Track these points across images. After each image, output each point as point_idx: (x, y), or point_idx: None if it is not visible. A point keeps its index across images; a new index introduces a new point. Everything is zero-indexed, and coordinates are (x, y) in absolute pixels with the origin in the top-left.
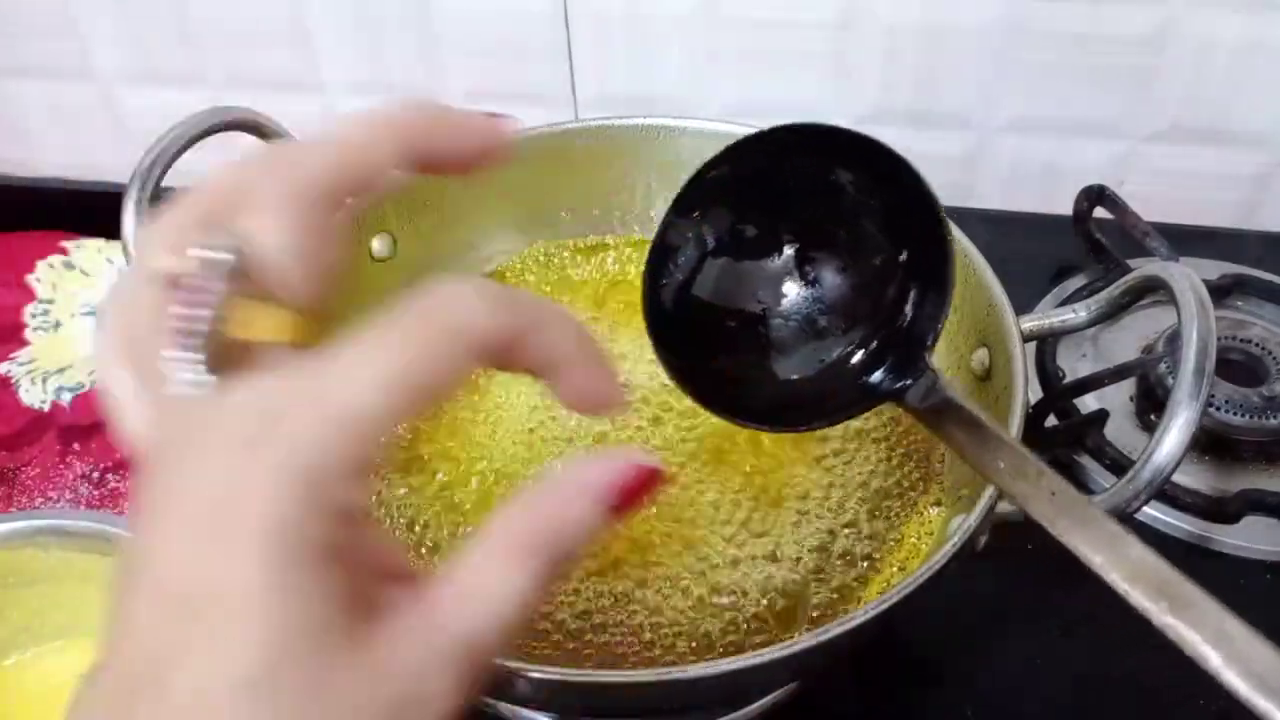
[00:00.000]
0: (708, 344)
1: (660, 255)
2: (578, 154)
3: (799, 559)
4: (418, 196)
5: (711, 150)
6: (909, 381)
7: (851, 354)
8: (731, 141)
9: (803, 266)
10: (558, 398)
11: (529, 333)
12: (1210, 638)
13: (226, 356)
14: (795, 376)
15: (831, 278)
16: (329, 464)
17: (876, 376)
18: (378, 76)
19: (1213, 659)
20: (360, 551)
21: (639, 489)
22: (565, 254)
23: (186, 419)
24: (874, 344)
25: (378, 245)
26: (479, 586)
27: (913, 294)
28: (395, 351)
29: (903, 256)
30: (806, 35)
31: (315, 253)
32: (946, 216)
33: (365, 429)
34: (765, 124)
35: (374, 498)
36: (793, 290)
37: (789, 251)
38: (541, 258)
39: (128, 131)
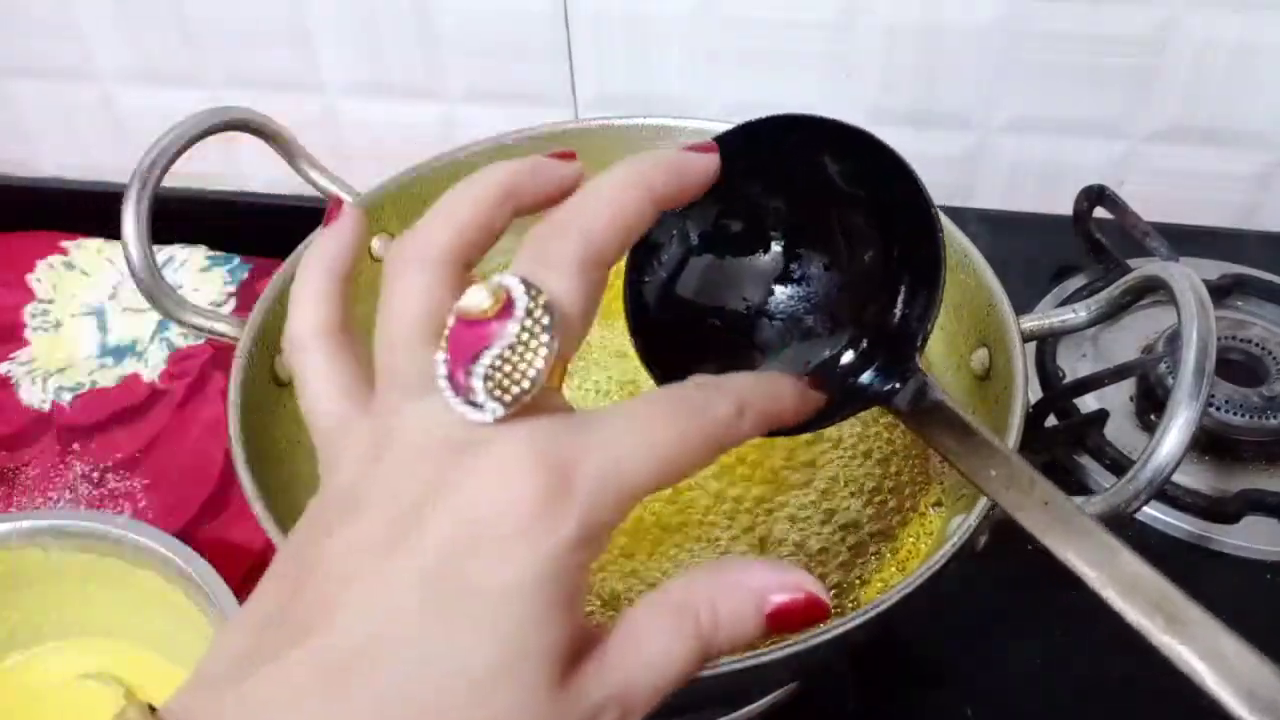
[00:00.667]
0: (692, 345)
1: (642, 253)
2: (578, 154)
3: (798, 559)
4: (418, 196)
5: None
6: (897, 384)
7: (840, 355)
8: (744, 122)
9: (790, 264)
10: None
11: (750, 423)
12: (1206, 654)
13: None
14: None
15: (819, 275)
16: (604, 520)
17: (865, 378)
18: (378, 76)
19: (1208, 677)
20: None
21: (798, 615)
22: None
23: (469, 440)
24: (863, 344)
25: (378, 245)
26: (640, 645)
27: (903, 293)
28: (663, 435)
29: (893, 254)
30: (806, 35)
31: (591, 316)
32: (938, 212)
33: (632, 496)
34: None
35: None
36: (779, 289)
37: (775, 248)
38: None
39: (128, 131)
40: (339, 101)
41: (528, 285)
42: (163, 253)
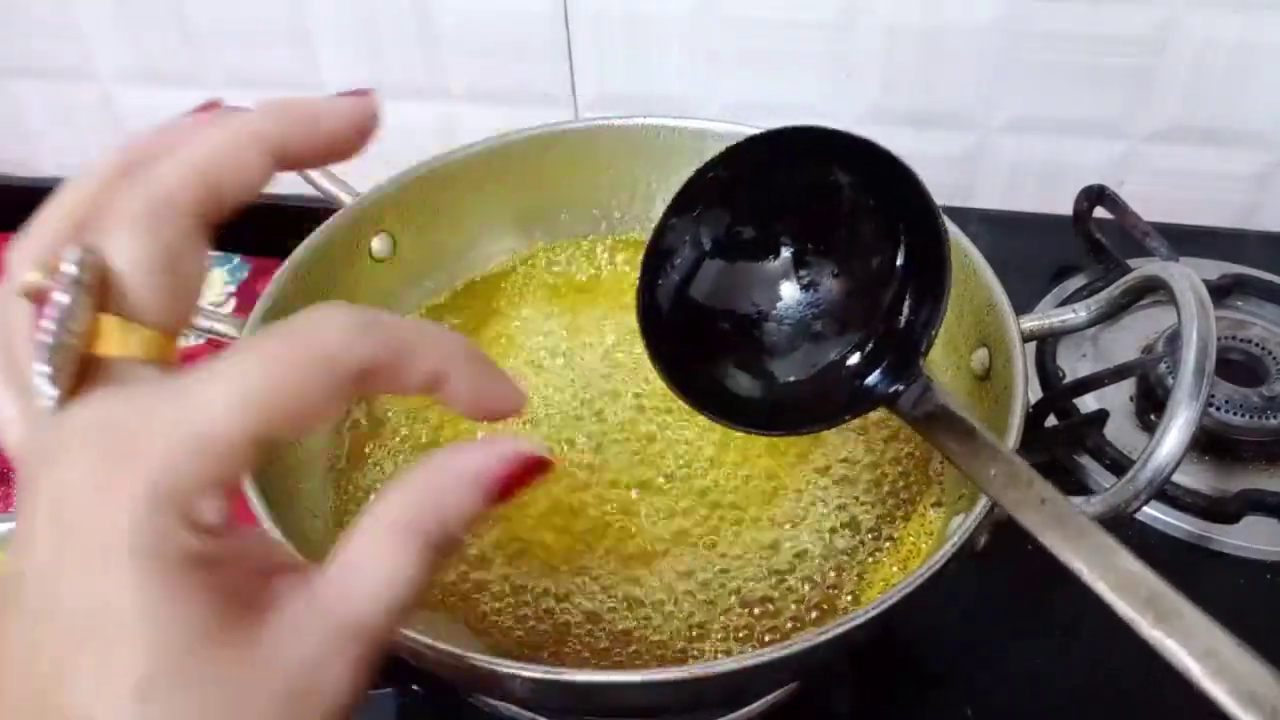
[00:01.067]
0: (702, 347)
1: (656, 257)
2: (578, 154)
3: (798, 559)
4: (417, 196)
5: (711, 150)
6: (902, 386)
7: (846, 357)
8: (731, 141)
9: (799, 269)
10: (455, 412)
11: (403, 354)
12: (1197, 651)
13: (88, 373)
14: (790, 379)
15: (828, 280)
16: (185, 482)
17: (870, 380)
18: (378, 76)
19: (1199, 672)
20: (237, 556)
21: (521, 478)
22: (565, 254)
23: (47, 435)
24: (869, 347)
25: (378, 245)
26: (362, 570)
27: (909, 298)
28: (253, 373)
29: (899, 260)
30: (806, 35)
31: (171, 271)
32: (944, 221)
33: (220, 448)
34: (765, 124)
35: None
36: (789, 293)
37: (785, 254)
38: (541, 257)
39: (128, 131)
40: None
41: (81, 250)
42: None
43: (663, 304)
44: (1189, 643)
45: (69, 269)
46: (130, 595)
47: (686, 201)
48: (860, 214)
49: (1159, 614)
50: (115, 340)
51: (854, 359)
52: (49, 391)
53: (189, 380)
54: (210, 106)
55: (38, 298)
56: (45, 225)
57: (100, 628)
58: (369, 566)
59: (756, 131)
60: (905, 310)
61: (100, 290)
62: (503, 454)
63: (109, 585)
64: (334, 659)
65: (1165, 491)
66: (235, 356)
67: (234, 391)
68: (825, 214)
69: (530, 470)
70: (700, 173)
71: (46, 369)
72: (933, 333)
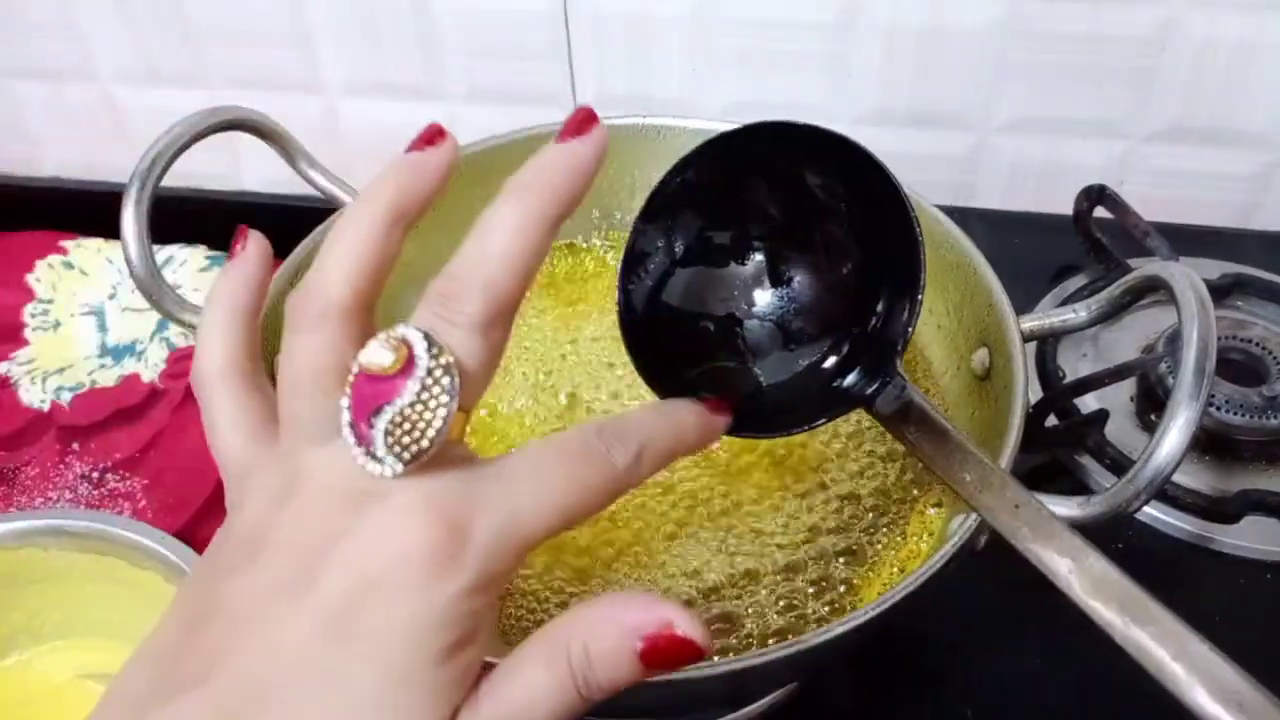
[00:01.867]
0: (682, 350)
1: (631, 261)
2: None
3: (798, 559)
4: None
5: None
6: (877, 388)
7: (824, 359)
8: (724, 130)
9: (774, 270)
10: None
11: (662, 456)
12: (1172, 652)
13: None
14: (769, 381)
15: (803, 280)
16: (504, 571)
17: (848, 381)
18: (378, 76)
19: (1174, 673)
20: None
21: (672, 654)
22: (565, 254)
23: (371, 490)
24: (846, 348)
25: None
26: (515, 685)
27: (884, 298)
28: (560, 486)
29: (875, 260)
30: (806, 35)
31: (497, 365)
32: (918, 218)
33: (527, 548)
34: None
35: None
36: (765, 295)
37: (759, 256)
38: None
39: (128, 131)
40: (339, 101)
41: (430, 343)
42: (162, 253)
43: (640, 308)
44: (1163, 645)
45: (430, 364)
46: (410, 651)
47: (657, 205)
48: (833, 211)
49: (1133, 617)
50: (456, 428)
51: (831, 360)
52: (390, 464)
53: (507, 472)
54: (436, 136)
55: (380, 375)
56: (339, 269)
57: (371, 652)
58: (518, 682)
59: (722, 130)
60: (881, 310)
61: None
62: (661, 620)
63: (399, 630)
64: None
65: (1165, 491)
66: (541, 461)
67: (545, 497)
68: (799, 212)
69: (683, 650)
70: (669, 175)
71: (385, 440)
72: (909, 330)
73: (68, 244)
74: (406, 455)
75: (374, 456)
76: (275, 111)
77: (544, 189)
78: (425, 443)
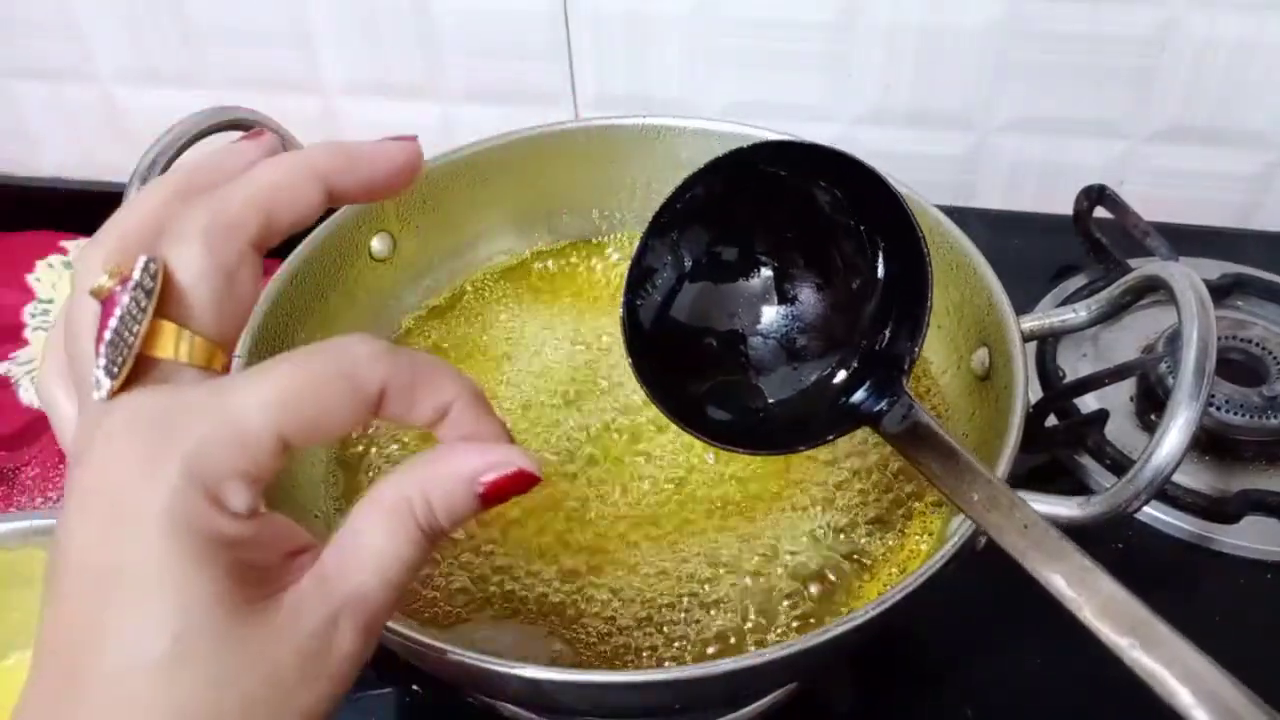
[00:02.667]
0: (688, 365)
1: (637, 276)
2: (578, 154)
3: (798, 559)
4: (418, 196)
5: (712, 150)
6: (885, 406)
7: (831, 376)
8: (732, 142)
9: (781, 286)
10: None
11: (419, 383)
12: (1180, 676)
13: (141, 372)
14: (774, 398)
15: (810, 297)
16: (216, 467)
17: (854, 399)
18: (378, 76)
19: (1183, 697)
20: (260, 539)
21: (509, 488)
22: (565, 254)
23: (98, 421)
24: (853, 366)
25: (378, 245)
26: (359, 547)
27: (892, 316)
28: (285, 379)
29: (881, 277)
30: (806, 35)
31: (227, 286)
32: (924, 235)
33: (249, 441)
34: (765, 124)
35: None
36: (771, 311)
37: (767, 272)
38: (541, 257)
39: (128, 131)
40: (339, 101)
41: (147, 260)
42: None
43: (646, 323)
44: (1171, 668)
45: (136, 275)
46: (159, 561)
47: (666, 221)
48: (841, 231)
49: (1141, 640)
50: (169, 344)
51: (838, 377)
52: (106, 384)
53: (227, 381)
54: (257, 134)
55: (105, 300)
56: (112, 234)
57: (133, 589)
58: (365, 544)
59: (734, 149)
60: (888, 328)
61: (162, 297)
62: (497, 462)
63: (141, 552)
64: (338, 627)
65: (1165, 491)
66: (270, 364)
67: (266, 392)
68: (806, 231)
69: (519, 482)
70: (679, 191)
71: (104, 364)
72: (916, 348)
73: (68, 244)
74: (115, 370)
75: (98, 383)
76: (275, 111)
77: (328, 152)
78: (127, 353)
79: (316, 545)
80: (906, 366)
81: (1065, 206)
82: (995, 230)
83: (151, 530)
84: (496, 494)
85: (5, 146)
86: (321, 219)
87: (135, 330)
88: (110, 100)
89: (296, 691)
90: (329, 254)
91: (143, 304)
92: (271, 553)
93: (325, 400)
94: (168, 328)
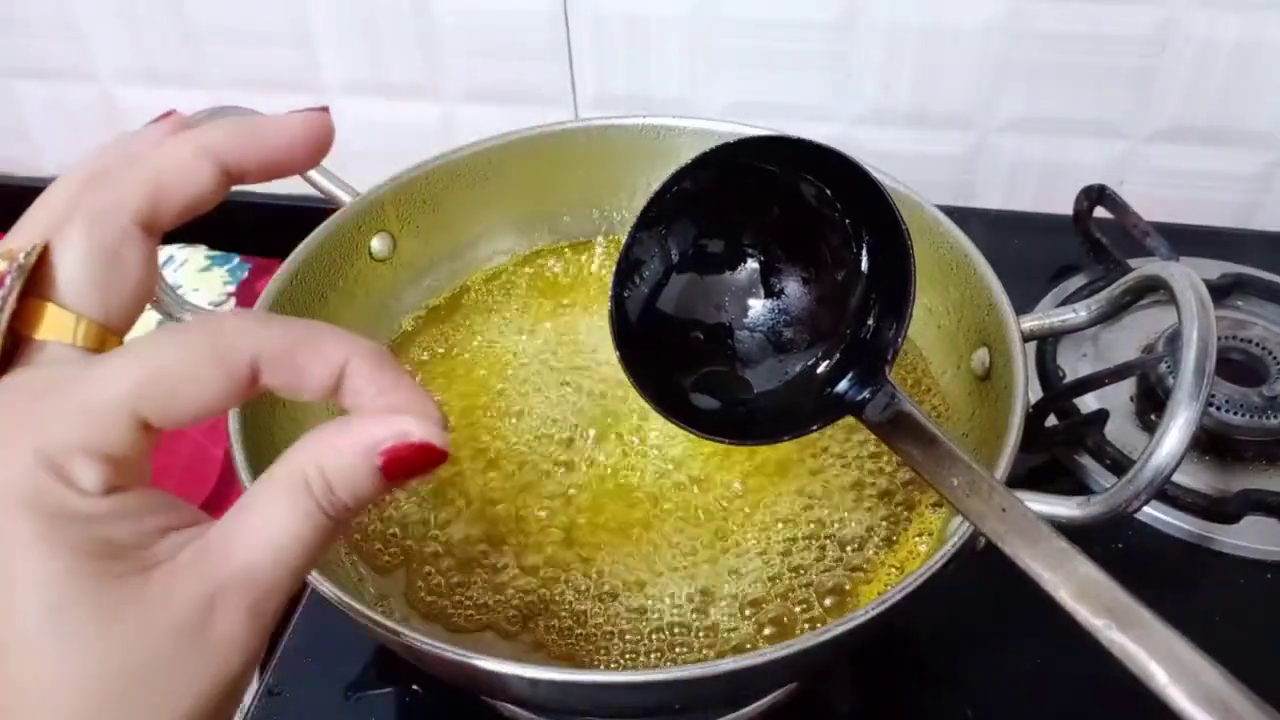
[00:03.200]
0: (675, 357)
1: (625, 269)
2: (578, 154)
3: (796, 560)
4: (418, 196)
5: None
6: (868, 395)
7: (816, 366)
8: (723, 143)
9: (767, 279)
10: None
11: (297, 349)
12: (1157, 656)
13: (22, 353)
14: (761, 389)
15: (795, 290)
16: (61, 443)
17: (839, 389)
18: (378, 76)
19: (1159, 676)
20: (122, 514)
21: (413, 462)
22: (564, 254)
23: None
24: (837, 356)
25: (378, 245)
26: (249, 523)
27: (875, 307)
28: (146, 353)
29: (865, 269)
30: (806, 35)
31: (108, 266)
32: (908, 229)
33: (99, 416)
34: (765, 124)
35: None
36: (758, 303)
37: (754, 264)
38: (541, 258)
39: (128, 131)
40: (339, 101)
41: (33, 243)
42: (162, 252)
43: (633, 316)
44: (1149, 648)
45: (21, 258)
46: (10, 538)
47: (654, 215)
48: (827, 224)
49: (1117, 620)
50: (45, 324)
51: (823, 368)
52: None
53: (95, 359)
54: (167, 116)
55: None
56: (23, 223)
57: None
58: (256, 522)
59: (718, 144)
60: (872, 319)
61: (44, 279)
62: (398, 432)
63: None
64: (222, 604)
65: (1165, 491)
66: (138, 340)
67: (122, 367)
68: (792, 224)
69: (421, 455)
70: (667, 185)
71: None
72: (899, 339)
73: None
74: None
75: None
76: (275, 111)
77: (224, 128)
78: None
79: (203, 519)
80: (890, 356)
81: (1065, 206)
82: (995, 230)
83: (2, 509)
84: (398, 468)
85: (5, 146)
86: (321, 219)
87: (5, 309)
88: (110, 100)
89: (177, 668)
90: (329, 254)
91: (16, 282)
92: (141, 529)
93: (186, 374)
94: (49, 309)
